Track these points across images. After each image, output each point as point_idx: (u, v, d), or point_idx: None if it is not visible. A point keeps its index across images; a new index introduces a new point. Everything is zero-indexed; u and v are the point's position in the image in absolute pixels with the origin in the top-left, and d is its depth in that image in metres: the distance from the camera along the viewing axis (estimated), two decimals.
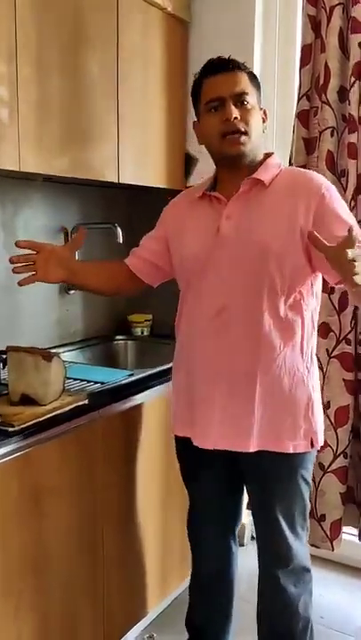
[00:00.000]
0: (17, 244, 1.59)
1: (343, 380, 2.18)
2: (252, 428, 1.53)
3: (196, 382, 1.59)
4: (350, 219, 1.52)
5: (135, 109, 2.15)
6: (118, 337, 2.54)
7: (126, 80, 2.08)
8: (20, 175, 1.93)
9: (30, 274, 1.62)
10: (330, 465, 2.21)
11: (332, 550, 2.27)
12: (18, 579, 1.47)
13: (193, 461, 1.70)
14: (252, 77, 1.56)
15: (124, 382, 1.83)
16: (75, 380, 1.82)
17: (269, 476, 1.59)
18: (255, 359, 1.51)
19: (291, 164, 2.23)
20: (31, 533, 1.50)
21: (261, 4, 2.34)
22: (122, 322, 2.59)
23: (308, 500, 1.63)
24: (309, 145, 2.22)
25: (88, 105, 1.93)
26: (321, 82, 2.15)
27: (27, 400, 1.57)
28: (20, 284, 1.62)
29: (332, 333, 2.19)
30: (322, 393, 2.20)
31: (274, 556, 1.63)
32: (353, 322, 2.17)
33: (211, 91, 1.53)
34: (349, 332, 2.17)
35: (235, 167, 1.56)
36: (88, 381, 1.80)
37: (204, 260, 1.54)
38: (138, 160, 2.19)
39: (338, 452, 2.20)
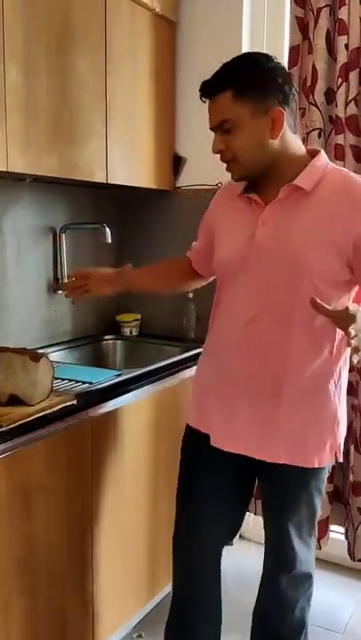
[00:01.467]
0: (69, 277, 1.75)
1: None
2: (279, 438, 1.49)
3: (223, 385, 1.55)
4: None
5: (123, 110, 2.15)
6: (107, 337, 2.54)
7: (114, 81, 2.09)
8: (8, 175, 1.93)
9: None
10: None
11: (320, 549, 2.29)
12: (7, 578, 1.47)
13: (203, 458, 1.62)
14: (240, 90, 1.38)
15: (112, 382, 1.83)
16: (63, 380, 1.82)
17: (287, 486, 1.55)
18: (283, 371, 1.46)
19: None
20: (20, 533, 1.50)
21: (249, 5, 2.35)
22: (110, 322, 2.60)
23: (319, 508, 1.60)
24: None
25: (76, 105, 1.93)
26: (308, 83, 2.16)
27: (15, 400, 1.57)
28: (73, 302, 1.84)
29: None
30: None
31: (279, 560, 1.61)
32: None
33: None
34: None
35: (267, 177, 1.46)
36: (76, 381, 1.80)
37: (238, 265, 1.49)
38: (126, 160, 2.19)
39: None
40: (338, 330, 1.43)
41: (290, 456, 1.50)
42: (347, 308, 1.26)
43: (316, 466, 1.51)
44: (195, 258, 1.78)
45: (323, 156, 1.48)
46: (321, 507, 1.62)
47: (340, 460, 1.57)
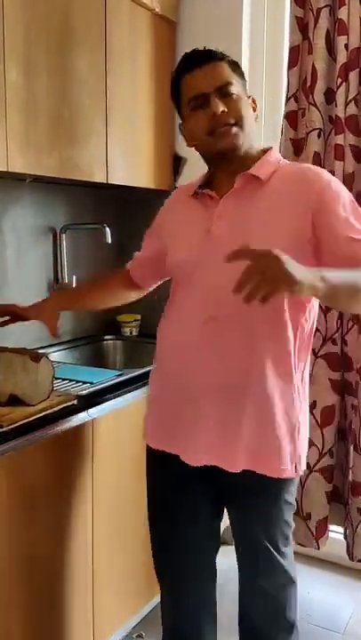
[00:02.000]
0: None
1: (329, 379, 2.20)
2: (241, 444, 1.41)
3: (181, 393, 1.45)
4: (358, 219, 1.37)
5: (123, 110, 2.15)
6: (107, 337, 2.54)
7: (114, 81, 2.09)
8: (8, 175, 1.93)
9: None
10: (316, 464, 2.23)
11: (318, 549, 2.29)
12: (8, 578, 1.47)
13: (171, 480, 1.54)
14: (234, 65, 1.45)
15: (113, 382, 1.83)
16: (63, 380, 1.82)
17: (253, 499, 1.47)
18: (246, 374, 1.39)
19: None
20: (21, 532, 1.50)
21: (249, 5, 2.35)
22: (110, 322, 2.60)
23: (291, 521, 1.54)
24: (297, 146, 2.24)
25: (76, 105, 1.93)
26: (308, 83, 2.16)
27: (15, 400, 1.57)
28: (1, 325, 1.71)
29: (318, 333, 2.20)
30: (308, 392, 2.22)
31: (256, 570, 1.54)
32: (339, 322, 2.19)
33: (192, 88, 1.42)
34: (335, 331, 2.19)
35: (228, 163, 1.44)
36: (77, 382, 1.81)
37: (195, 264, 1.43)
38: (126, 160, 2.19)
39: (324, 452, 2.22)
40: (301, 329, 1.41)
41: (251, 461, 1.42)
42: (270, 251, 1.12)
43: (276, 476, 1.43)
44: (136, 268, 1.73)
45: (276, 151, 1.49)
46: (292, 520, 1.55)
47: (301, 473, 1.49)
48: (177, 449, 1.48)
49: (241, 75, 1.46)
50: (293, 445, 1.45)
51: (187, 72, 1.43)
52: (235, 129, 1.40)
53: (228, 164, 1.44)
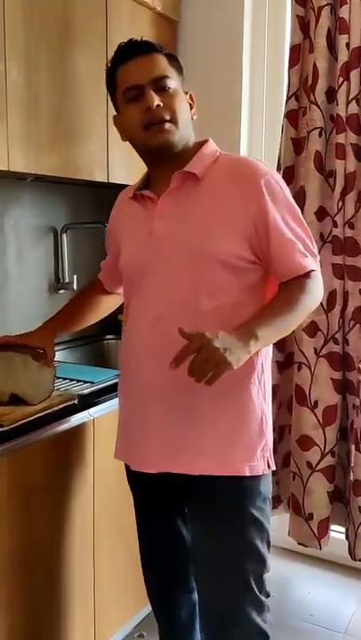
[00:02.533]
0: None
1: (331, 379, 2.20)
2: (197, 446, 1.35)
3: (134, 398, 1.44)
4: (294, 225, 1.37)
5: None
6: (108, 336, 2.53)
7: None
8: (9, 174, 1.92)
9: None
10: (318, 464, 2.23)
11: (320, 549, 2.28)
12: (8, 577, 1.47)
13: (138, 490, 1.56)
14: (172, 59, 1.41)
15: (113, 382, 1.82)
16: (64, 379, 1.82)
17: (218, 509, 1.37)
18: None
19: (279, 163, 2.24)
20: (21, 532, 1.50)
21: (250, 3, 2.35)
22: (111, 321, 2.58)
23: (267, 542, 1.42)
24: (298, 145, 2.23)
25: (77, 104, 1.93)
26: (309, 82, 2.16)
27: (16, 400, 1.56)
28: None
29: (320, 333, 2.20)
30: (310, 392, 2.22)
31: (216, 614, 1.42)
32: (341, 321, 2.19)
33: (126, 79, 1.37)
34: (337, 331, 2.19)
35: (163, 160, 1.40)
36: (78, 381, 1.80)
37: (142, 265, 1.41)
38: (127, 160, 2.18)
39: (326, 451, 2.22)
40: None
41: (213, 463, 1.35)
42: (203, 333, 1.17)
43: (248, 473, 1.35)
44: (106, 277, 1.71)
45: (211, 144, 1.45)
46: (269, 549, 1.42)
47: (273, 467, 1.42)
48: (130, 457, 1.47)
49: (179, 69, 1.42)
50: (263, 439, 1.39)
51: (122, 62, 1.38)
52: (168, 125, 1.36)
53: (164, 162, 1.40)
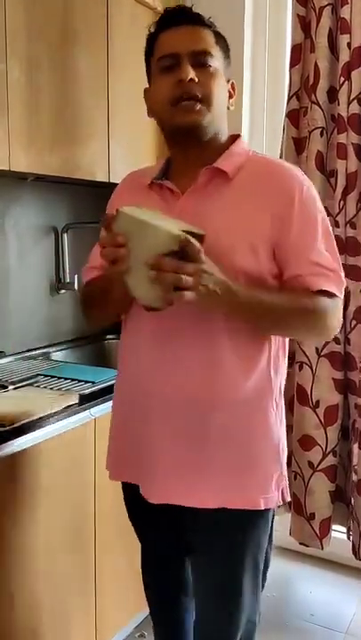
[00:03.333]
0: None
1: (332, 378, 2.20)
2: (210, 476, 1.22)
3: (140, 418, 1.28)
4: (324, 245, 1.23)
5: (126, 108, 2.15)
6: (109, 336, 2.53)
7: (116, 79, 2.08)
8: (10, 174, 1.92)
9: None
10: (319, 463, 2.23)
11: (321, 549, 2.28)
12: (10, 578, 1.47)
13: (140, 512, 1.41)
14: (220, 39, 1.27)
15: (114, 381, 1.82)
16: (65, 379, 1.82)
17: (226, 540, 1.26)
18: (210, 393, 1.21)
19: None
20: (23, 532, 1.49)
21: (251, 3, 2.35)
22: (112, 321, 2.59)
23: (268, 557, 1.36)
24: (299, 145, 2.23)
25: (78, 104, 1.92)
26: (311, 82, 2.16)
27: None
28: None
29: None
30: (311, 391, 2.22)
31: (218, 629, 1.34)
32: (342, 321, 2.18)
33: (165, 46, 1.23)
34: (338, 331, 2.18)
35: (190, 148, 1.25)
36: (79, 381, 1.80)
37: None
38: (128, 159, 2.19)
39: (327, 451, 2.22)
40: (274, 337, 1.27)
41: (224, 498, 1.22)
42: None
43: (263, 507, 1.24)
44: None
45: (243, 141, 1.31)
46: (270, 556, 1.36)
47: (289, 499, 1.30)
48: (139, 480, 1.32)
49: (225, 51, 1.28)
50: (279, 468, 1.28)
51: (165, 29, 1.24)
52: (200, 106, 1.20)
53: (190, 149, 1.26)
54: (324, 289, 1.21)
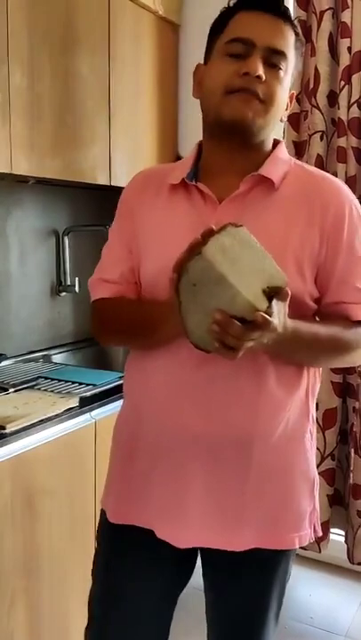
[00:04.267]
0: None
1: (331, 382, 2.20)
2: (247, 517, 1.12)
3: (163, 451, 1.14)
4: None
5: (127, 112, 2.16)
6: None
7: (118, 83, 2.09)
8: (11, 177, 1.93)
9: None
10: (317, 467, 2.22)
11: (320, 552, 2.29)
12: (11, 579, 1.47)
13: (134, 558, 1.21)
14: (298, 41, 1.13)
15: (115, 384, 1.83)
16: (66, 382, 1.82)
17: (255, 578, 1.18)
18: (252, 426, 1.10)
19: None
20: (24, 534, 1.50)
21: None
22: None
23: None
24: (299, 148, 2.24)
25: (80, 108, 1.93)
26: (311, 86, 2.17)
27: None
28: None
29: None
30: None
31: None
32: None
33: (242, 28, 1.08)
34: None
35: (233, 147, 1.11)
36: (80, 383, 1.81)
37: None
38: (129, 163, 2.19)
39: (326, 455, 2.22)
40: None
41: (258, 538, 1.13)
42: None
43: (297, 546, 1.16)
44: (131, 286, 1.20)
45: (284, 148, 1.19)
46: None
47: (320, 533, 1.23)
48: (156, 525, 1.15)
49: (299, 58, 1.15)
50: (313, 503, 1.19)
51: (247, 9, 1.09)
52: (258, 105, 1.07)
53: (232, 150, 1.12)
54: None
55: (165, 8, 2.28)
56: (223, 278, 0.91)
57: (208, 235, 0.91)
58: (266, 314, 0.90)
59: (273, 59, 1.07)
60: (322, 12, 2.11)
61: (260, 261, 0.95)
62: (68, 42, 1.87)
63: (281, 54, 1.08)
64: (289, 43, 1.09)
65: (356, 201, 1.16)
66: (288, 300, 0.96)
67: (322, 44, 2.13)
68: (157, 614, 1.25)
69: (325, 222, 1.10)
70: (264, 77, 1.06)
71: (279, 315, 0.94)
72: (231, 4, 1.12)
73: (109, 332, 1.26)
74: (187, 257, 0.92)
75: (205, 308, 0.93)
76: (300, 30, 1.15)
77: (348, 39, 2.08)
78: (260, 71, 1.05)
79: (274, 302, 0.93)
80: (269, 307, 0.92)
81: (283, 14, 1.09)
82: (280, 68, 1.08)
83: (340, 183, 1.18)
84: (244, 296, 0.91)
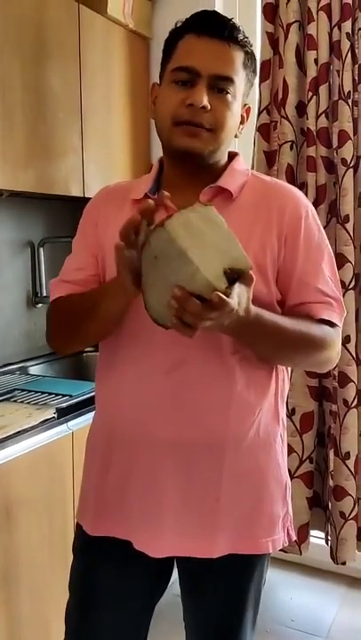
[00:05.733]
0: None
1: (307, 386, 2.23)
2: (218, 522, 1.13)
3: (136, 460, 1.14)
4: (330, 268, 1.18)
5: (99, 124, 2.18)
6: (87, 349, 2.54)
7: (89, 95, 2.11)
8: None
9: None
10: (296, 470, 2.26)
11: (300, 554, 2.31)
12: None
13: (108, 569, 1.21)
14: (250, 60, 1.14)
15: (91, 394, 1.83)
16: (42, 393, 1.83)
17: (230, 582, 1.20)
18: (224, 426, 1.12)
19: None
20: (3, 546, 1.50)
21: None
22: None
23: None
24: (270, 158, 2.28)
25: (52, 120, 1.95)
26: (280, 97, 2.21)
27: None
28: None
29: None
30: (287, 399, 2.25)
31: None
32: None
33: (187, 56, 1.10)
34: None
35: (187, 167, 1.14)
36: (56, 394, 1.82)
37: None
38: (102, 174, 2.21)
39: (304, 458, 2.25)
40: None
41: (233, 544, 1.14)
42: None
43: (270, 551, 1.18)
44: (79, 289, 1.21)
45: (241, 160, 1.22)
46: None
47: (294, 537, 1.25)
48: (133, 535, 1.16)
49: (252, 74, 1.16)
50: (285, 507, 1.21)
51: (194, 32, 1.10)
52: (206, 134, 1.10)
53: (189, 168, 1.15)
54: (326, 319, 1.15)
55: (135, 22, 2.31)
56: (183, 253, 0.91)
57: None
58: (224, 294, 0.90)
59: (220, 84, 1.09)
60: (288, 25, 2.16)
61: (224, 242, 0.94)
62: (38, 55, 1.89)
63: (227, 79, 1.10)
64: (236, 66, 1.11)
65: (312, 207, 1.20)
66: (252, 285, 0.96)
67: (289, 56, 2.17)
68: (134, 626, 1.26)
69: (282, 223, 1.13)
70: (209, 107, 1.08)
71: (241, 298, 0.94)
72: (179, 25, 1.14)
73: (57, 330, 1.25)
74: (142, 219, 0.93)
75: (166, 282, 0.93)
76: (250, 48, 1.14)
77: (315, 51, 2.12)
78: (205, 101, 1.07)
79: (236, 285, 0.93)
80: (228, 288, 0.92)
81: (230, 38, 1.10)
82: (228, 92, 1.10)
83: (295, 189, 1.22)
84: (202, 274, 0.91)
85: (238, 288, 0.93)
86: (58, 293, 1.24)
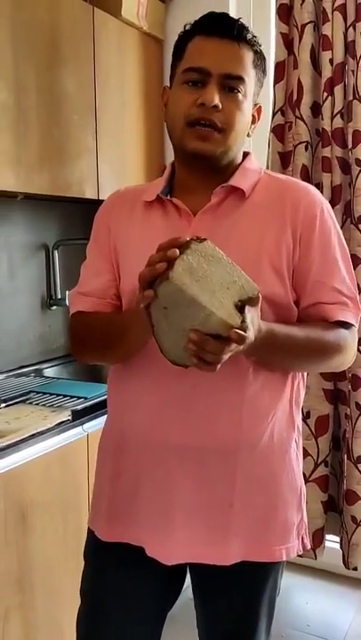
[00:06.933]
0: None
1: (323, 389, 2.22)
2: (230, 529, 1.11)
3: (148, 465, 1.13)
4: (346, 266, 1.16)
5: (113, 126, 2.18)
6: None
7: (103, 98, 2.11)
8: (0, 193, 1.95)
9: None
10: (311, 474, 2.24)
11: (315, 559, 2.29)
12: (5, 594, 1.47)
13: (120, 575, 1.19)
14: (260, 59, 1.15)
15: (106, 397, 1.84)
16: (57, 395, 1.83)
17: (244, 589, 1.18)
18: (237, 431, 1.10)
19: None
20: (17, 548, 1.50)
21: None
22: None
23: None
24: (285, 159, 2.26)
25: (66, 123, 1.95)
26: (294, 97, 2.20)
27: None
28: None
29: None
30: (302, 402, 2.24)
31: None
32: None
33: (197, 56, 1.10)
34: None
35: (202, 169, 1.14)
36: (71, 397, 1.81)
37: None
38: (117, 176, 2.21)
39: (319, 462, 2.23)
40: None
41: (246, 549, 1.12)
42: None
43: (284, 558, 1.16)
44: (93, 305, 1.21)
45: (254, 158, 1.22)
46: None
47: (309, 547, 1.23)
48: (144, 540, 1.14)
49: (262, 73, 1.17)
50: (301, 515, 1.19)
51: (202, 34, 1.11)
52: (217, 135, 1.10)
53: (202, 170, 1.15)
54: (342, 320, 1.14)
55: (149, 24, 2.31)
56: (194, 300, 0.91)
57: (175, 245, 0.92)
58: (240, 329, 0.91)
59: (230, 83, 1.10)
60: (303, 26, 2.15)
61: (229, 274, 0.95)
62: (53, 58, 1.89)
63: (238, 78, 1.10)
64: (246, 65, 1.11)
65: (328, 204, 1.19)
66: (260, 303, 0.97)
67: (304, 57, 2.16)
68: (146, 634, 1.24)
69: (297, 221, 1.12)
70: (221, 106, 1.08)
71: (253, 322, 0.95)
72: (188, 28, 1.14)
73: (82, 347, 1.26)
74: (151, 276, 0.92)
75: (179, 328, 0.93)
76: (259, 47, 1.15)
77: (330, 51, 2.11)
78: (216, 100, 1.08)
79: (246, 310, 0.93)
80: (243, 321, 0.92)
81: (239, 38, 1.10)
82: (239, 92, 1.11)
83: (310, 186, 1.21)
84: (217, 315, 0.91)
85: (249, 313, 0.94)
86: (77, 307, 1.24)
